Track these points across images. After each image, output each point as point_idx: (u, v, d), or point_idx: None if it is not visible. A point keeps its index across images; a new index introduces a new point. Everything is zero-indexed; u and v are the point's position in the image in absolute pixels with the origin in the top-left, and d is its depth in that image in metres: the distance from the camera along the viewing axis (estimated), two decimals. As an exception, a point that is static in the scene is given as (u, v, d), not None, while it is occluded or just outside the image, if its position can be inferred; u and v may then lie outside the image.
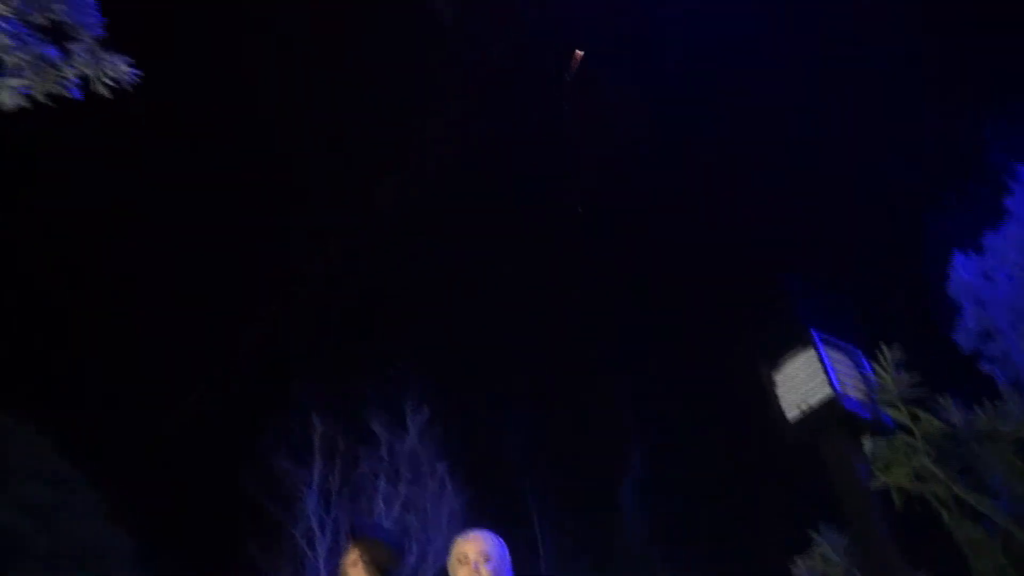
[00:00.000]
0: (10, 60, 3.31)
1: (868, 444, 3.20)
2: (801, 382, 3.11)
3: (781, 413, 3.19)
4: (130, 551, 11.93)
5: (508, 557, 3.02)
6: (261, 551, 13.13)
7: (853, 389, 3.09)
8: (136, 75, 3.53)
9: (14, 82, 3.32)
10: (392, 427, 14.42)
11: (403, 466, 14.13)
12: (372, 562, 3.12)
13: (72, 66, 3.49)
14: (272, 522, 13.45)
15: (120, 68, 3.57)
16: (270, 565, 13.08)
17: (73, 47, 3.49)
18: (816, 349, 3.10)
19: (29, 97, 3.41)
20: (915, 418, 3.16)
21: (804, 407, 3.08)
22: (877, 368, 3.18)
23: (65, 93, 3.49)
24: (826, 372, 3.02)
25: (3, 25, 3.24)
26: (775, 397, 3.23)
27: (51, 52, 3.42)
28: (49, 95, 3.44)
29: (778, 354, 3.25)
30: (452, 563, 2.98)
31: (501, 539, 3.06)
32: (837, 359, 3.16)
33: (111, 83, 3.54)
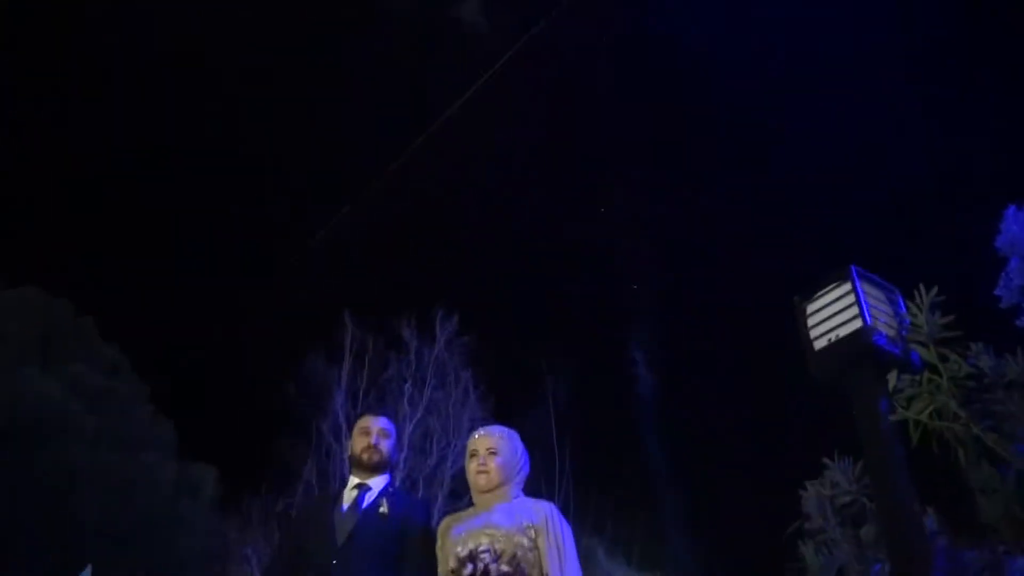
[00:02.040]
0: None
1: (893, 380, 3.24)
2: (833, 314, 3.13)
3: (809, 343, 3.23)
4: (171, 439, 12.55)
5: (522, 450, 3.10)
6: (291, 446, 13.83)
7: (885, 325, 3.11)
8: None
9: None
10: (421, 335, 14.78)
11: (429, 372, 14.55)
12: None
13: None
14: (302, 418, 14.09)
15: None
16: (299, 458, 13.78)
17: None
18: (853, 284, 3.11)
19: None
20: (944, 359, 3.17)
21: (832, 337, 3.11)
22: (911, 307, 3.18)
23: None
24: (859, 306, 3.04)
25: None
26: (805, 327, 3.27)
27: None
28: None
29: (814, 287, 3.26)
30: (465, 459, 3.11)
31: (515, 432, 3.13)
32: (873, 295, 3.17)
33: None
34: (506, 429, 3.14)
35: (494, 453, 2.99)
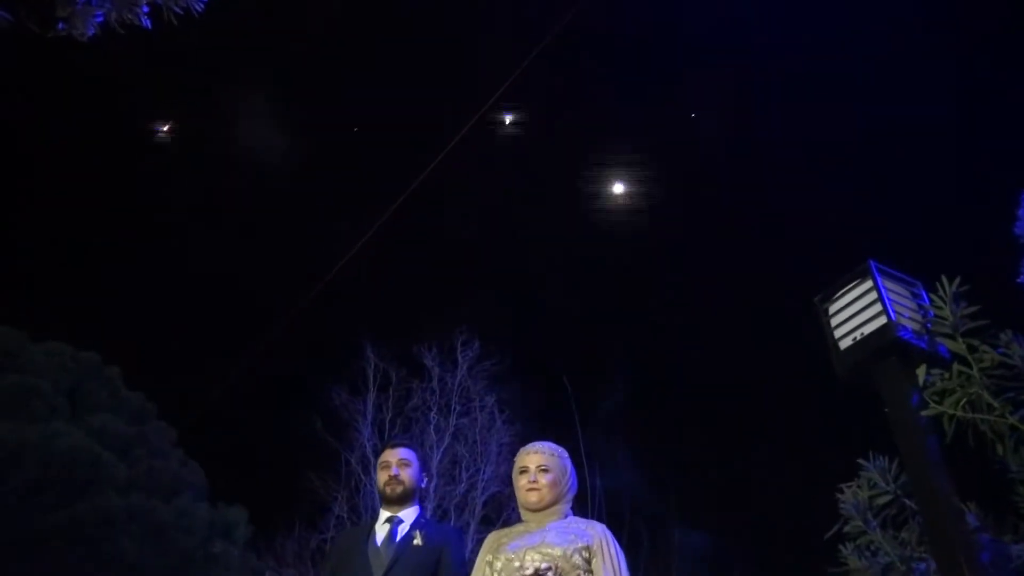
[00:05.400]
0: None
1: (922, 375, 3.20)
2: (857, 312, 3.11)
3: (834, 342, 3.21)
4: (202, 482, 12.64)
5: (571, 469, 3.03)
6: (321, 481, 13.83)
7: (909, 320, 3.08)
8: (204, 2, 3.54)
9: (91, 10, 3.40)
10: (443, 361, 14.78)
11: (453, 399, 14.52)
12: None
13: None
14: (330, 452, 14.10)
15: None
16: (329, 493, 13.76)
17: None
18: (874, 280, 3.09)
19: (103, 25, 3.47)
20: (972, 349, 3.12)
21: (858, 336, 3.09)
22: (935, 299, 3.14)
23: (137, 22, 3.52)
24: (882, 302, 3.01)
25: None
26: (828, 327, 3.25)
27: None
28: (122, 24, 3.49)
29: (835, 285, 3.25)
30: (514, 473, 3.02)
31: (564, 450, 3.06)
32: (894, 290, 3.14)
33: (180, 11, 3.56)
34: (557, 446, 3.06)
35: (545, 470, 2.92)
